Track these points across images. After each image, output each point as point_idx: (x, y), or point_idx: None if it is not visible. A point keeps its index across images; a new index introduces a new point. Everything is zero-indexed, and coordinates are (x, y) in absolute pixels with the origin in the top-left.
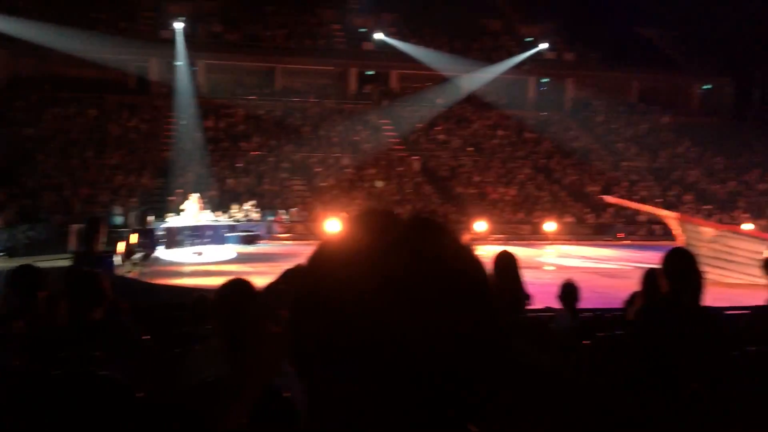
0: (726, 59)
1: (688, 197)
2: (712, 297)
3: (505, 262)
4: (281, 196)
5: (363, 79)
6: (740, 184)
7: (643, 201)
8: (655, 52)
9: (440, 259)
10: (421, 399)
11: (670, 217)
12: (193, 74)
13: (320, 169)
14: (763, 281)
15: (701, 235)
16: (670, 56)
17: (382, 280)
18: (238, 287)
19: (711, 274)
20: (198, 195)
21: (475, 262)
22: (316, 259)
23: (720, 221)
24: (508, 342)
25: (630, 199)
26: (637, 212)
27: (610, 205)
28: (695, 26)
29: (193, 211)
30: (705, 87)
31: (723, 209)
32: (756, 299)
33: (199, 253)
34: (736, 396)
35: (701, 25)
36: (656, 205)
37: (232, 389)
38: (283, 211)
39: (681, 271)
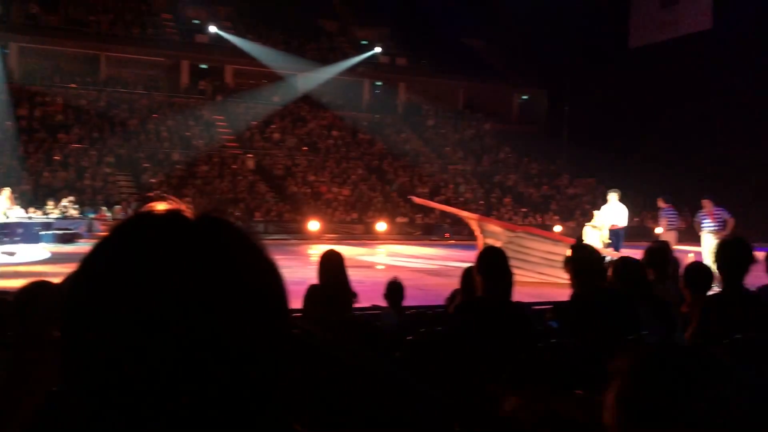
0: (541, 72)
1: (507, 200)
2: (521, 294)
3: (331, 261)
4: (104, 192)
5: (196, 73)
6: (552, 189)
7: (466, 203)
8: (479, 62)
9: (224, 261)
10: (212, 401)
11: (470, 218)
12: (4, 57)
13: (148, 165)
14: (553, 279)
15: (498, 236)
16: (493, 67)
17: (156, 283)
18: (35, 291)
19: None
20: (8, 190)
21: (266, 263)
22: (85, 261)
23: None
24: (300, 344)
25: (456, 200)
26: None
27: (418, 205)
28: (515, 40)
29: (1, 207)
30: (523, 97)
31: (537, 212)
32: (560, 296)
33: (11, 253)
34: (539, 384)
35: (520, 39)
36: (472, 208)
37: (11, 397)
38: (106, 208)
39: (493, 269)
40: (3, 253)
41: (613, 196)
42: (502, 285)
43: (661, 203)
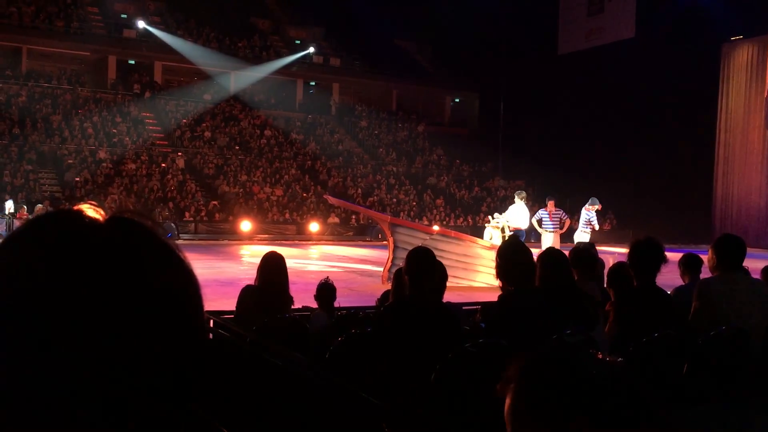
0: (473, 75)
1: (439, 201)
2: (454, 295)
3: (272, 263)
4: (25, 191)
5: (123, 69)
6: (483, 191)
7: (399, 204)
8: (412, 64)
9: (134, 269)
10: (124, 408)
11: (382, 219)
12: None
13: (72, 162)
14: (465, 283)
15: (410, 238)
16: (426, 69)
17: (51, 284)
18: None
19: None
20: None
21: (177, 264)
22: None
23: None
24: (210, 353)
25: (389, 202)
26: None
27: (333, 205)
28: (448, 43)
29: None
30: (456, 100)
31: (469, 213)
32: (492, 297)
33: None
34: (464, 383)
35: (453, 43)
36: (405, 209)
37: None
38: (26, 207)
39: (419, 269)
40: None
41: (518, 198)
42: (429, 285)
43: (550, 205)
